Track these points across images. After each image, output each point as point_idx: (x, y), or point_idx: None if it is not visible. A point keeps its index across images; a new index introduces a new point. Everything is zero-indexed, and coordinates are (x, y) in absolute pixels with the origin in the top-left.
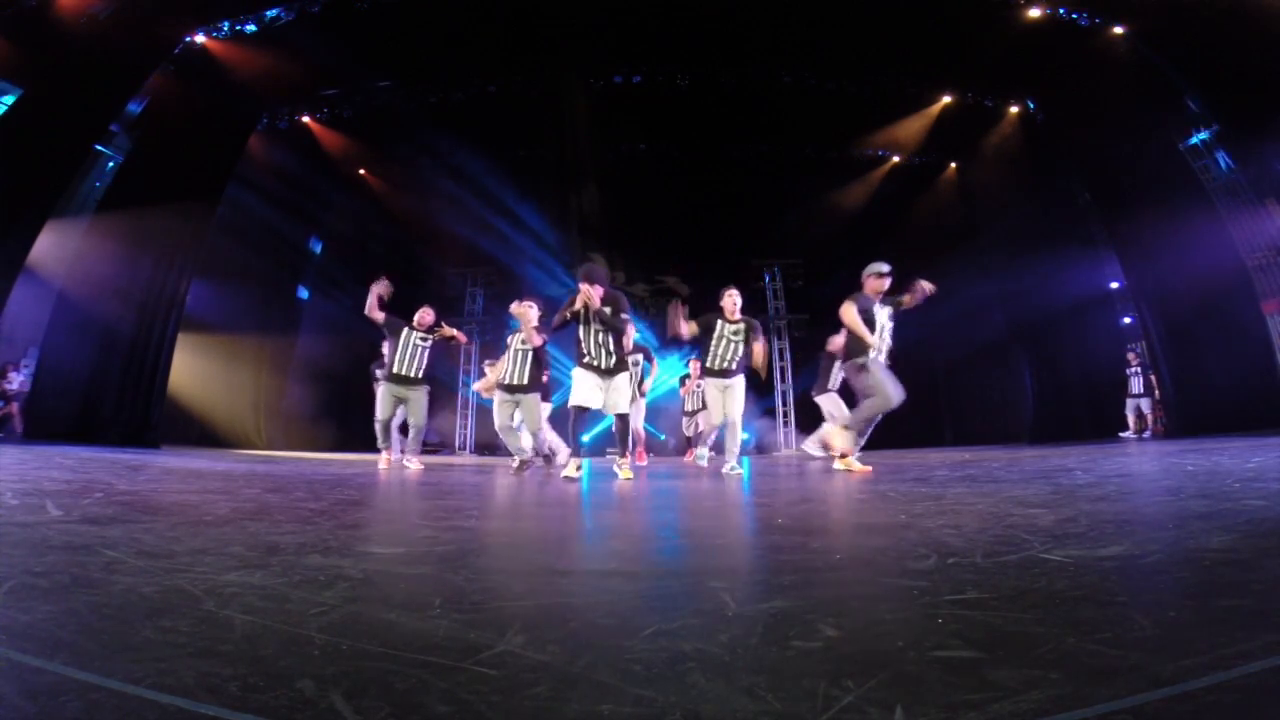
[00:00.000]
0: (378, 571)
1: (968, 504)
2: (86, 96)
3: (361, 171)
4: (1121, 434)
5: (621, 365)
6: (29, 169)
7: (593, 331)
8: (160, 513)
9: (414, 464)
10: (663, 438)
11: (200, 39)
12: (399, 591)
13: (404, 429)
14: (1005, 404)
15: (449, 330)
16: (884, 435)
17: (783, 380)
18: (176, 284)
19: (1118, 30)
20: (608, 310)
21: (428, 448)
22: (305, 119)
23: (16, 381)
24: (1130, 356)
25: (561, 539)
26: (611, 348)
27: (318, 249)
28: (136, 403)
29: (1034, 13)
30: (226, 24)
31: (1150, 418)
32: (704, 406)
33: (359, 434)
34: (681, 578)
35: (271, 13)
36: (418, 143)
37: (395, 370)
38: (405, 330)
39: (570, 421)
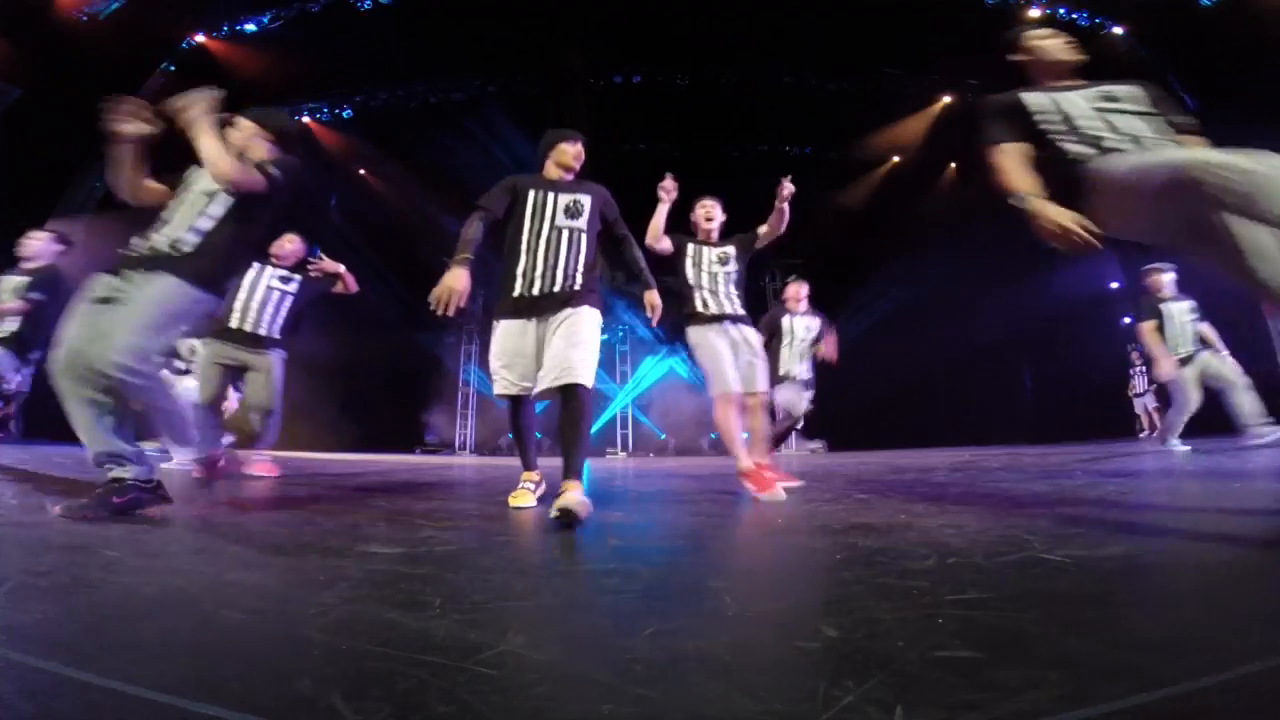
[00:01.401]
0: (378, 571)
1: (968, 504)
2: (86, 96)
3: (361, 171)
4: (1141, 434)
5: (585, 293)
6: (29, 169)
7: (547, 229)
8: (161, 513)
9: (258, 465)
10: (663, 436)
11: (200, 39)
12: (399, 591)
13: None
14: (1005, 404)
15: (330, 264)
16: (885, 435)
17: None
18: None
19: (1117, 30)
20: (583, 199)
21: (428, 448)
22: (305, 119)
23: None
24: (1134, 356)
25: (563, 540)
26: (580, 258)
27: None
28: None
29: (1034, 13)
30: (226, 24)
31: (1155, 417)
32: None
33: (359, 434)
34: (681, 578)
35: (272, 12)
36: (418, 143)
37: (231, 322)
38: (256, 267)
39: (511, 422)
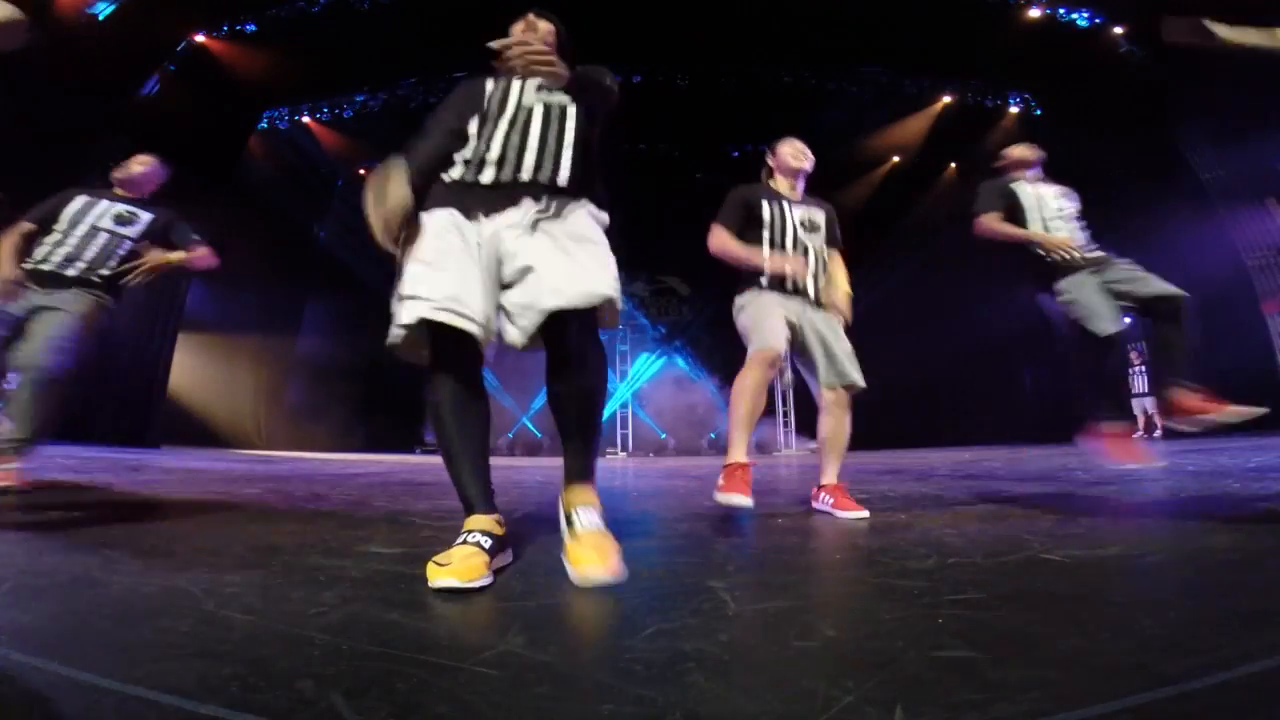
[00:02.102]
0: (378, 571)
1: (968, 504)
2: (87, 96)
3: (362, 171)
4: (1135, 435)
5: (577, 188)
6: (30, 169)
7: (511, 109)
8: (160, 513)
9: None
10: (663, 436)
11: (200, 38)
12: (399, 591)
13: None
14: (1005, 404)
15: (169, 259)
16: (884, 435)
17: (781, 378)
18: (177, 284)
19: (1118, 30)
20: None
21: (428, 448)
22: (305, 119)
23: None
24: (1133, 355)
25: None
26: (565, 139)
27: (323, 235)
28: (136, 402)
29: (1034, 13)
30: (226, 24)
31: (1158, 418)
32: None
33: (361, 434)
34: (681, 578)
35: (272, 12)
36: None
37: (39, 260)
38: (82, 200)
39: (432, 395)
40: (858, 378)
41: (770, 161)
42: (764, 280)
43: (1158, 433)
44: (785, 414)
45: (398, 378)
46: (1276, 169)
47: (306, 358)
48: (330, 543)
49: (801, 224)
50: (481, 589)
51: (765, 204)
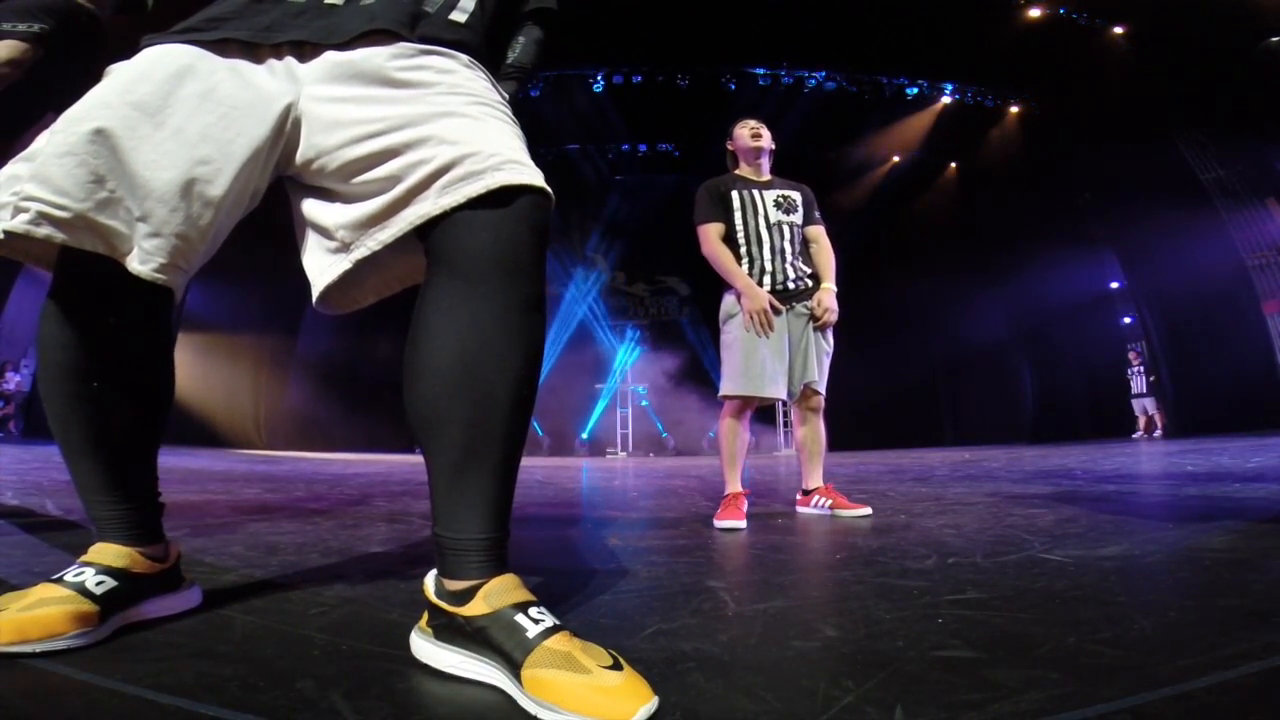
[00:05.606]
0: (378, 571)
1: (968, 504)
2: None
3: None
4: (1134, 435)
5: (443, 24)
6: None
7: None
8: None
9: None
10: (664, 435)
11: None
12: (399, 591)
13: None
14: (1005, 404)
15: None
16: (884, 435)
17: None
18: None
19: (1118, 30)
20: None
21: None
22: None
23: (14, 381)
24: (1131, 356)
25: (562, 540)
26: None
27: None
28: None
29: (1034, 13)
30: None
31: (1158, 418)
32: None
33: (360, 433)
34: (681, 578)
35: None
36: None
37: None
38: None
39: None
40: (818, 380)
41: (730, 147)
42: (744, 270)
43: (1158, 432)
44: (785, 414)
45: (398, 377)
46: (1277, 169)
47: (307, 357)
48: (330, 543)
49: (776, 203)
50: (56, 653)
51: (734, 193)
